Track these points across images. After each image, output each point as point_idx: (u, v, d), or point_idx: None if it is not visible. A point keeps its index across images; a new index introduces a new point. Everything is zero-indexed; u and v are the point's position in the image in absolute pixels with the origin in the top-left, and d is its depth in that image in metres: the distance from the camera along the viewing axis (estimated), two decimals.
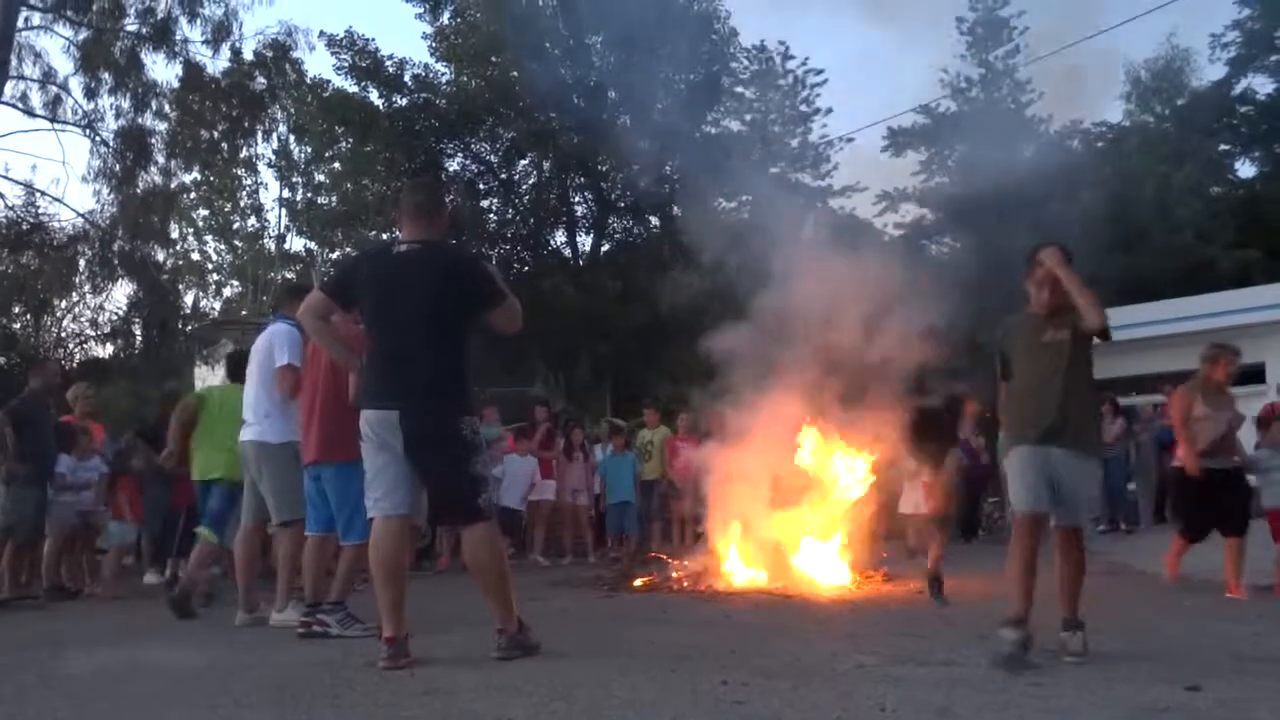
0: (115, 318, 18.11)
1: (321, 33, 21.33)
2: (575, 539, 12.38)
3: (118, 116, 17.24)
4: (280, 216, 27.46)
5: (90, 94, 17.06)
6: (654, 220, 23.49)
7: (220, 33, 17.54)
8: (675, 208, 21.96)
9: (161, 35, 17.16)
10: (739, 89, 29.26)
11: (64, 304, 17.91)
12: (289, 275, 26.29)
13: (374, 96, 21.62)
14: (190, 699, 4.03)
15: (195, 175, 23.90)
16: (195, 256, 30.89)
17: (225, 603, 7.06)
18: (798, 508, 8.78)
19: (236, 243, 31.81)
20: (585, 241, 24.03)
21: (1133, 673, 4.22)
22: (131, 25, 17.29)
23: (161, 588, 9.66)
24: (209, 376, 19.49)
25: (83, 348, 18.19)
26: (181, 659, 5.03)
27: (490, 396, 14.14)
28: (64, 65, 21.06)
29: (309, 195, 25.92)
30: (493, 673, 4.29)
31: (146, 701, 4.07)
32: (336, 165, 24.37)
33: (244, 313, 25.48)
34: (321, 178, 25.62)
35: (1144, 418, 14.34)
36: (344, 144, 22.77)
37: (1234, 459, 7.48)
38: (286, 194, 27.09)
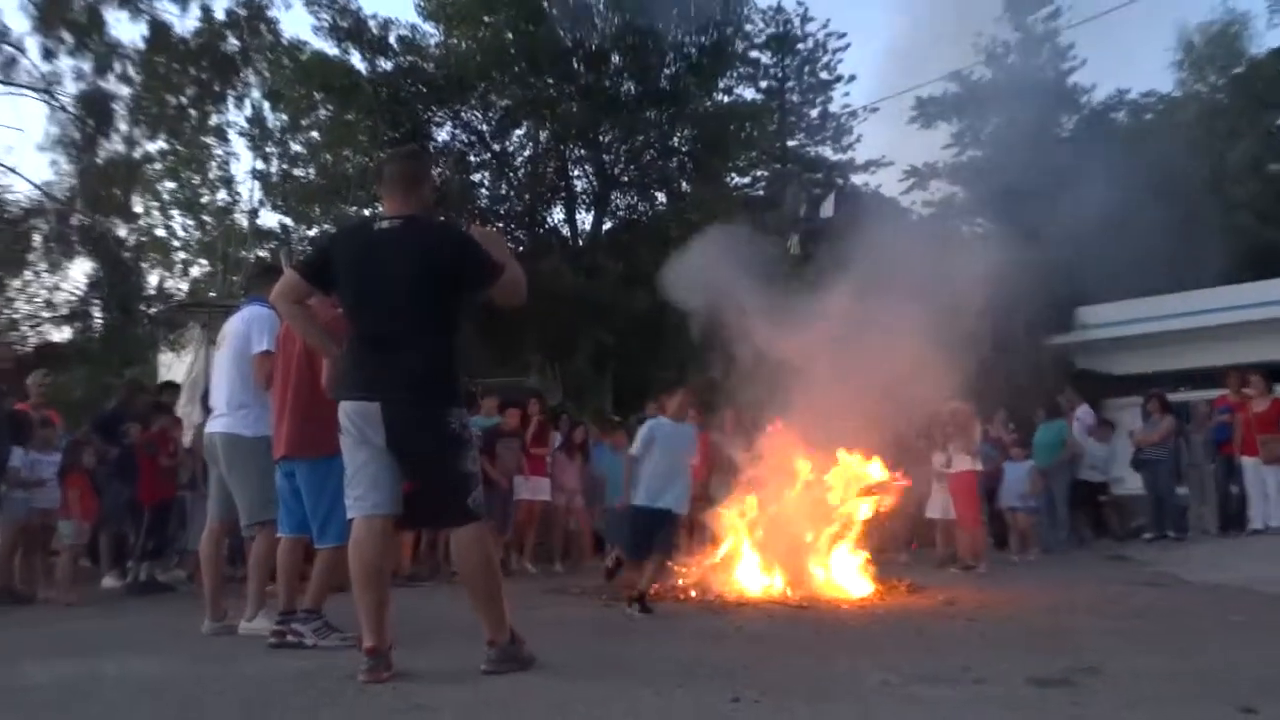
0: (73, 298, 18.13)
1: None
2: (570, 545, 12.38)
3: (78, 79, 17.26)
4: (253, 190, 27.45)
5: (48, 55, 17.08)
6: (660, 197, 23.48)
7: None
8: (684, 183, 21.96)
9: None
10: (753, 53, 29.21)
11: (17, 283, 17.91)
12: (262, 254, 26.22)
13: (356, 60, 21.61)
14: (153, 714, 4.03)
15: (161, 144, 23.81)
16: (160, 232, 30.87)
17: (191, 610, 7.05)
18: (828, 508, 8.80)
19: (205, 218, 31.79)
20: (585, 220, 24.01)
21: (1182, 692, 4.21)
22: None
23: (122, 592, 9.70)
24: (174, 363, 19.53)
25: (37, 330, 18.20)
26: (144, 671, 5.03)
27: (479, 389, 14.13)
28: (19, 23, 21.00)
29: (284, 167, 25.84)
30: (482, 688, 4.29)
31: (106, 717, 4.07)
32: (314, 134, 24.32)
33: (213, 294, 25.45)
34: (298, 148, 25.53)
35: (1198, 415, 14.24)
36: (323, 111, 22.74)
37: None
38: (260, 165, 27.04)
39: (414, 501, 4.66)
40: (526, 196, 23.19)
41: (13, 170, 21.78)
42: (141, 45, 17.61)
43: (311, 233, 24.59)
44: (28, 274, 17.75)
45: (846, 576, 8.50)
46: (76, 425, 11.07)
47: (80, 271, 18.60)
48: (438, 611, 7.34)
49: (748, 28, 26.57)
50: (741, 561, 8.71)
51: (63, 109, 17.13)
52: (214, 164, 28.36)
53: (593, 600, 8.40)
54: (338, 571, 5.38)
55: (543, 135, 22.85)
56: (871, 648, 5.51)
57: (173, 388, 12.15)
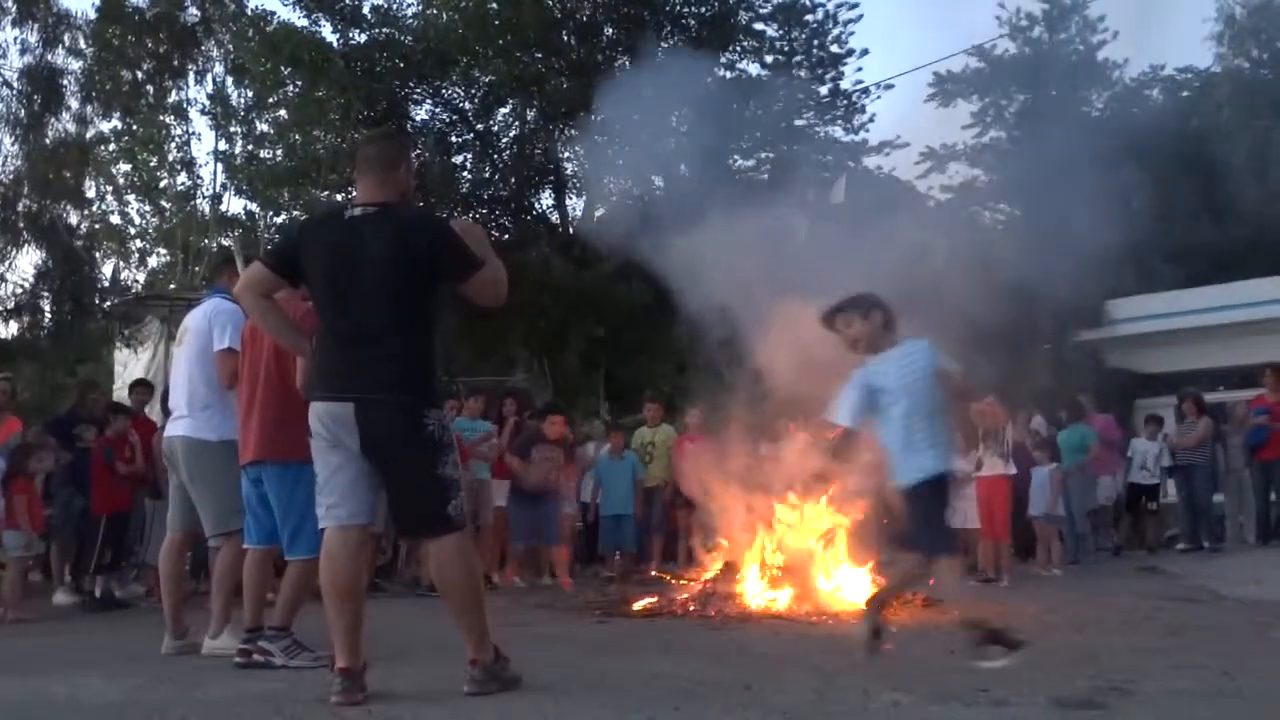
0: (20, 290, 18.10)
1: None
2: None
3: (23, 53, 17.22)
4: (216, 173, 27.36)
5: None
6: (657, 181, 23.46)
7: None
8: (682, 166, 21.93)
9: None
10: (758, 25, 29.19)
11: None
12: (226, 242, 26.19)
13: (327, 32, 21.61)
14: None
15: (115, 123, 23.84)
16: (115, 219, 30.78)
17: (150, 628, 7.06)
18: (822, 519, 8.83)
19: (164, 203, 31.68)
20: (576, 205, 24.00)
21: (1219, 715, 4.24)
22: None
23: (76, 608, 9.71)
24: (130, 361, 19.50)
25: None
26: (98, 693, 5.04)
27: (460, 388, 14.13)
28: None
29: (250, 148, 25.83)
30: (464, 710, 4.31)
31: None
32: (282, 113, 24.30)
33: (173, 286, 25.39)
34: (265, 128, 25.53)
35: (1236, 417, 14.27)
36: (291, 88, 22.70)
37: None
38: (223, 146, 27.00)
39: (392, 510, 4.69)
40: (512, 180, 23.19)
41: None
42: (93, 15, 17.60)
43: (279, 219, 24.59)
44: None
45: (857, 589, 8.52)
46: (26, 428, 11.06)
47: (28, 262, 18.62)
48: (416, 628, 7.35)
49: None
50: (746, 573, 8.74)
51: (6, 85, 17.10)
52: (173, 145, 28.28)
53: (584, 615, 8.42)
54: (309, 585, 5.40)
55: (530, 114, 22.85)
56: (883, 666, 5.53)
57: (144, 386, 12.06)
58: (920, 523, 5.04)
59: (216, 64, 22.26)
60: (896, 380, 5.14)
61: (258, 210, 25.96)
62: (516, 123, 23.29)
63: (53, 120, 17.44)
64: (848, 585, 8.56)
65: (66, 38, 17.36)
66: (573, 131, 22.84)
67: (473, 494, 10.72)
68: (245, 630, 5.82)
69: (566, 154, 23.55)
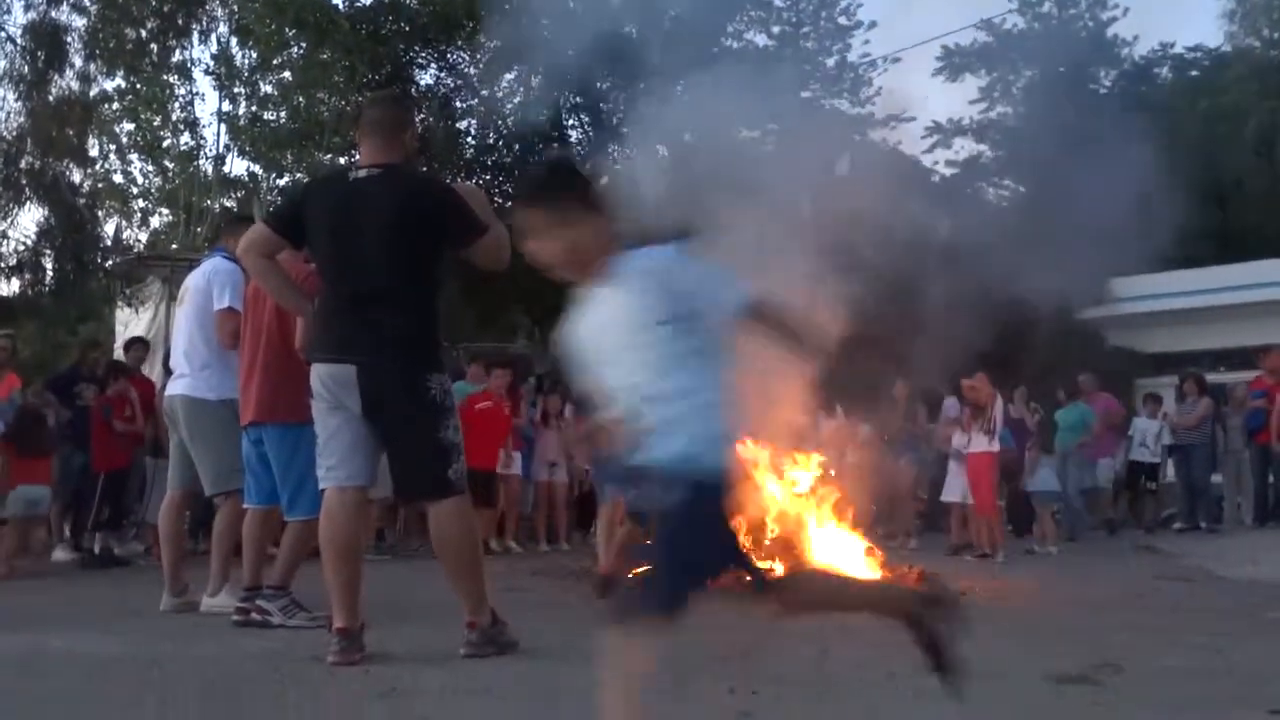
0: (22, 248, 18.07)
1: None
2: (552, 522, 12.46)
3: (27, 9, 17.14)
4: (219, 133, 27.23)
5: None
6: (661, 149, 23.39)
7: None
8: (686, 135, 21.87)
9: None
10: None
11: None
12: (229, 203, 26.14)
13: None
14: (105, 695, 4.06)
15: (119, 82, 23.69)
16: (118, 178, 30.66)
17: (148, 585, 7.09)
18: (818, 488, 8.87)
19: (167, 163, 31.53)
20: None
21: (1210, 693, 4.26)
22: None
23: (75, 565, 9.74)
24: (131, 321, 19.49)
25: None
26: (95, 647, 5.07)
27: (462, 354, 14.15)
28: None
29: (253, 109, 25.68)
30: (461, 672, 4.33)
31: (53, 697, 4.10)
32: (286, 74, 24.14)
33: (175, 246, 25.32)
34: (269, 89, 25.37)
35: (1235, 398, 14.27)
36: (296, 49, 22.57)
37: None
38: (227, 107, 26.83)
39: (392, 472, 4.70)
40: (516, 146, 23.10)
41: None
42: None
43: (282, 181, 24.50)
44: None
45: (851, 562, 8.54)
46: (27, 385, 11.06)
47: (30, 219, 18.59)
48: (415, 590, 7.38)
49: None
50: (746, 541, 8.76)
51: (10, 41, 17.03)
52: (177, 105, 28.13)
53: (583, 581, 8.44)
54: (307, 546, 5.42)
55: (535, 80, 22.73)
56: (878, 639, 5.54)
57: (140, 344, 12.06)
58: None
59: (221, 24, 22.08)
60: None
61: (261, 172, 25.86)
62: (521, 89, 23.16)
63: (56, 77, 17.40)
64: (841, 559, 8.59)
65: None
66: (577, 99, 22.78)
67: None
68: (244, 589, 5.85)
69: (571, 121, 23.46)
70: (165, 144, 29.65)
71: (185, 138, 28.85)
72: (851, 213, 8.92)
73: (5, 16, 17.04)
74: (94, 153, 23.71)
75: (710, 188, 9.40)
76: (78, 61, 17.72)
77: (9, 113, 17.23)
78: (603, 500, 7.53)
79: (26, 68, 17.13)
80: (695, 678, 4.26)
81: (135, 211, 32.10)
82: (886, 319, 9.38)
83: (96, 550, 9.74)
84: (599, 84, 21.86)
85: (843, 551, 8.65)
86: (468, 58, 22.48)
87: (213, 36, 21.80)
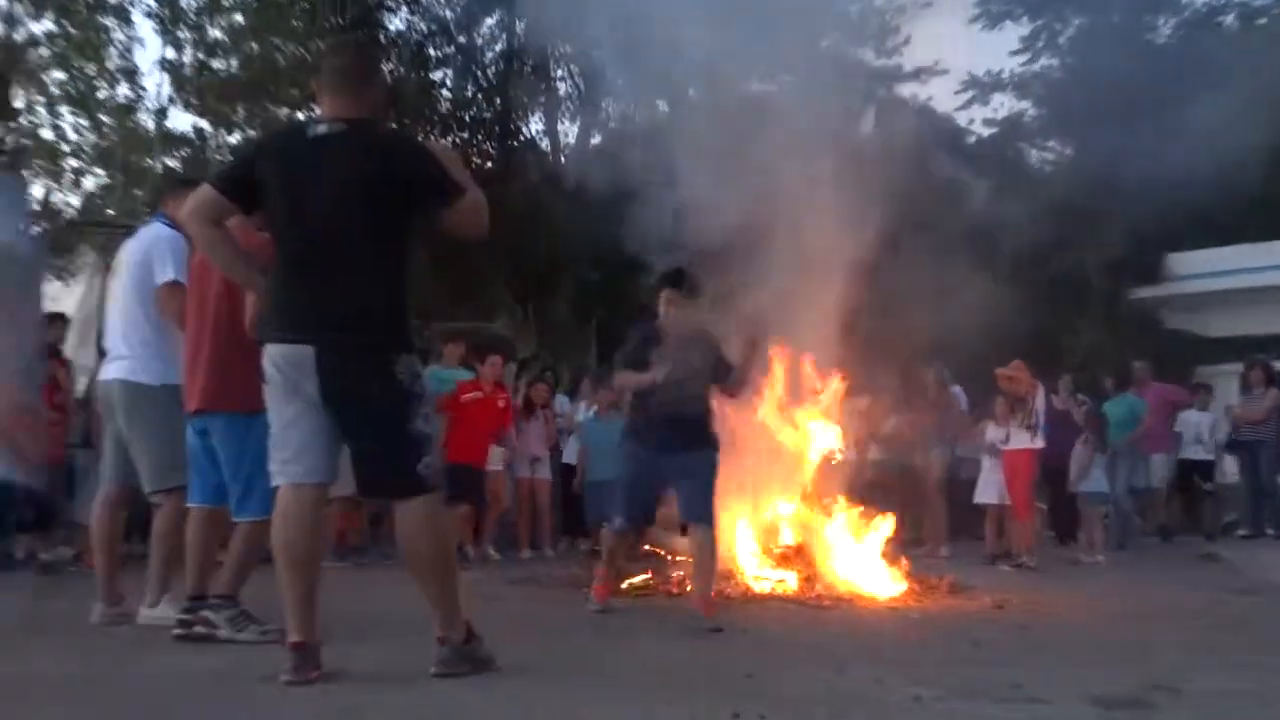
0: None
1: None
2: (535, 525, 12.49)
3: None
4: (162, 84, 27.15)
5: None
6: (661, 104, 23.34)
7: None
8: (689, 88, 21.82)
9: None
10: None
11: None
12: (172, 163, 26.07)
13: None
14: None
15: (48, 25, 23.63)
16: (47, 134, 30.63)
17: (80, 594, 7.09)
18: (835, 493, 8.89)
19: (103, 117, 31.51)
20: (569, 130, 23.85)
21: (1271, 718, 4.27)
22: None
23: None
24: (62, 294, 19.45)
25: None
26: (18, 666, 5.04)
27: (437, 335, 14.13)
28: None
29: (200, 57, 25.61)
30: (430, 693, 4.33)
31: None
32: (238, 18, 24.13)
33: (111, 211, 25.31)
34: (218, 34, 25.31)
35: None
36: None
37: None
38: (170, 54, 26.76)
39: (355, 468, 4.69)
40: (498, 100, 23.06)
41: None
42: None
43: (233, 138, 24.44)
44: None
45: (875, 571, 8.56)
46: None
47: None
48: (379, 601, 7.38)
49: None
50: (750, 549, 8.77)
51: None
52: (113, 51, 28.05)
53: (567, 591, 8.46)
54: (259, 550, 5.42)
55: (518, 26, 22.68)
56: (902, 657, 5.56)
57: (60, 321, 12.03)
58: None
59: None
60: None
61: (208, 127, 25.78)
62: (503, 35, 23.12)
63: None
64: (866, 565, 8.60)
65: None
66: (566, 47, 22.73)
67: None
68: (187, 599, 5.84)
69: (559, 72, 23.41)
70: (100, 95, 29.56)
71: (123, 89, 28.76)
72: (875, 176, 8.92)
73: None
74: (19, 104, 23.63)
75: (715, 148, 9.38)
76: (1, 2, 17.63)
77: None
78: (613, 528, 7.55)
79: None
80: (692, 700, 4.26)
81: (66, 171, 32.03)
82: (914, 295, 9.38)
83: (20, 555, 9.75)
84: (592, 28, 21.81)
85: (862, 559, 8.67)
86: (442, 1, 22.43)
87: None
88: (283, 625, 4.65)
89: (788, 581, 8.45)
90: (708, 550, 7.13)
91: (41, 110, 28.82)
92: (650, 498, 7.31)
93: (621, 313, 21.44)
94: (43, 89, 28.01)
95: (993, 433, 11.42)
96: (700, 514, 7.04)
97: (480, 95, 23.10)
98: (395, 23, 22.38)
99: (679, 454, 6.98)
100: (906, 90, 28.67)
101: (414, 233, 4.68)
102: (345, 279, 4.48)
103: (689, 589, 7.80)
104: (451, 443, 10.90)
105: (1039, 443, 11.03)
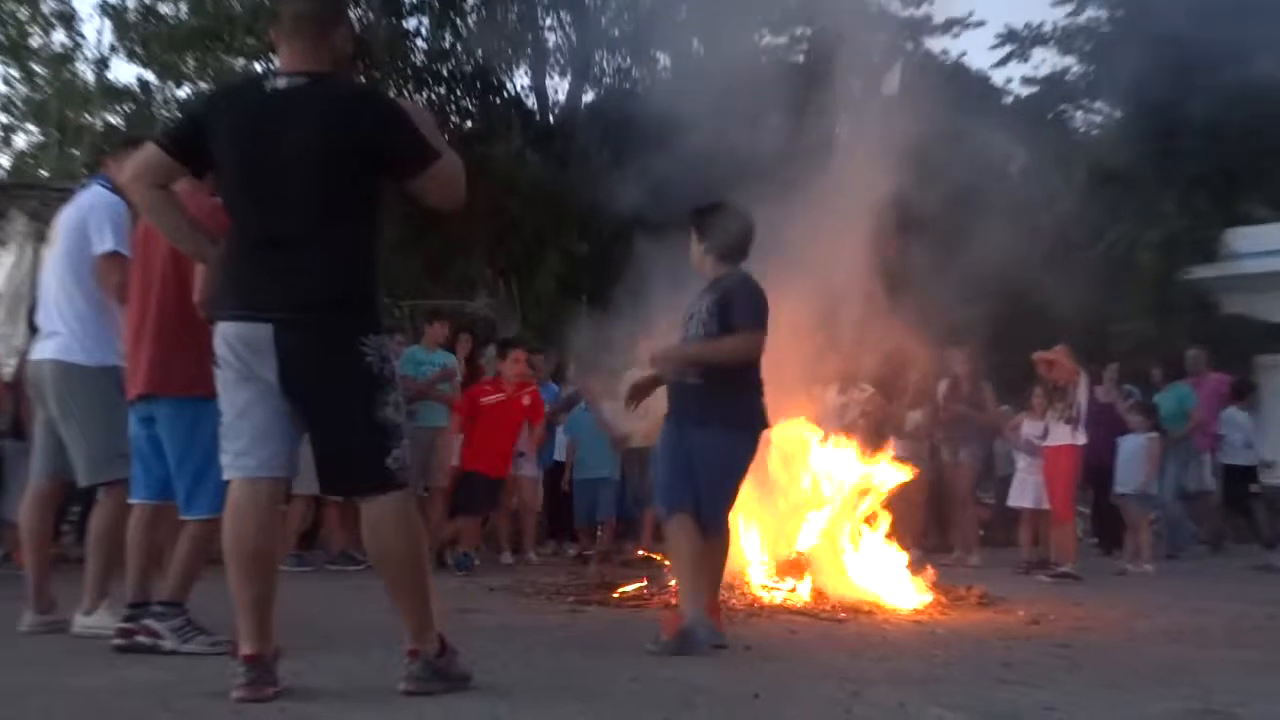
0: None
1: None
2: (517, 527, 12.50)
3: None
4: (103, 31, 27.17)
5: None
6: (662, 58, 23.34)
7: None
8: (694, 40, 21.80)
9: None
10: None
11: None
12: (114, 119, 26.06)
13: None
14: None
15: None
16: None
17: (7, 599, 7.09)
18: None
19: (36, 67, 31.49)
20: (558, 87, 23.81)
21: None
22: None
23: None
24: None
25: None
26: None
27: (405, 314, 14.14)
28: None
29: (146, 1, 25.60)
30: (399, 712, 4.33)
31: None
32: None
33: (45, 173, 25.27)
34: None
35: None
36: None
37: None
38: None
39: (318, 461, 4.68)
40: (479, 53, 23.02)
41: None
42: None
43: (181, 92, 24.42)
44: None
45: (896, 581, 8.58)
46: None
47: None
48: (343, 609, 7.39)
49: None
50: (756, 559, 8.78)
51: None
52: None
53: (554, 602, 8.47)
54: (208, 552, 5.42)
55: None
56: (927, 677, 5.57)
57: None
58: None
59: None
60: None
61: (154, 80, 25.74)
62: None
63: None
64: (885, 575, 8.62)
65: None
66: None
67: (424, 446, 10.77)
68: (127, 605, 5.85)
69: (548, 22, 23.38)
70: (34, 43, 29.54)
71: (59, 35, 28.76)
72: (901, 137, 8.93)
73: None
74: None
75: (722, 109, 9.38)
76: None
77: None
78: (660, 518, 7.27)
79: None
80: None
81: None
82: (942, 273, 9.39)
83: None
84: None
85: (881, 568, 8.69)
86: None
87: None
88: (234, 636, 4.65)
89: (799, 591, 8.47)
90: (716, 553, 6.71)
91: None
92: (686, 480, 6.58)
93: (611, 286, 21.48)
94: None
95: (1029, 427, 11.43)
96: (706, 513, 6.51)
97: (459, 46, 23.06)
98: None
99: (688, 431, 6.57)
100: (937, 45, 28.69)
101: (384, 199, 4.68)
102: (307, 250, 4.47)
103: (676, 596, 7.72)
104: (467, 448, 10.98)
105: (1080, 438, 10.99)
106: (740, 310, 6.52)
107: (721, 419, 6.50)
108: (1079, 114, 27.67)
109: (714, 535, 6.61)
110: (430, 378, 11.33)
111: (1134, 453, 12.28)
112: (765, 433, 6.92)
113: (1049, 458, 11.09)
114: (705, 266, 6.83)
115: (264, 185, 4.53)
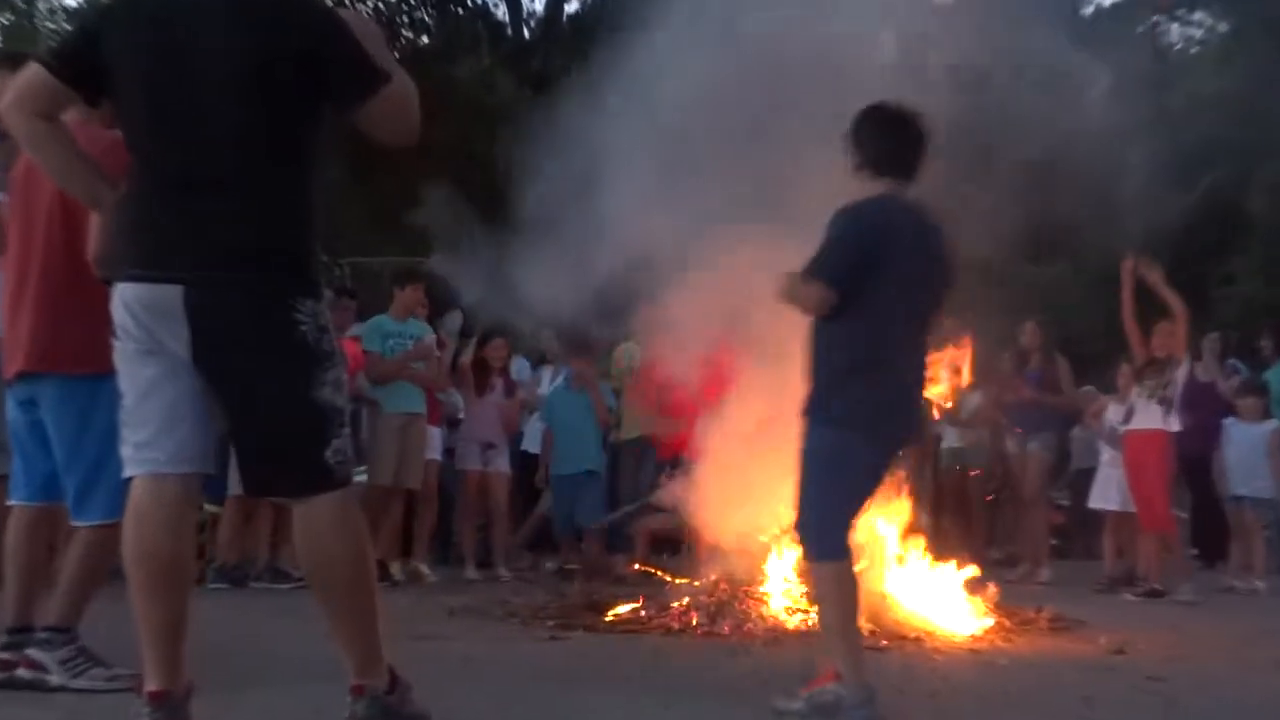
0: None
1: None
2: (490, 530, 12.54)
3: None
4: None
5: None
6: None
7: None
8: None
9: None
10: None
11: None
12: None
13: None
14: None
15: None
16: None
17: None
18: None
19: None
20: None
21: None
22: None
23: None
24: None
25: None
26: None
27: (345, 272, 14.14)
28: None
29: None
30: None
31: None
32: None
33: None
34: None
35: None
36: None
37: None
38: None
39: (239, 453, 4.67)
40: None
41: None
42: None
43: (71, 1, 24.40)
44: None
45: (950, 601, 8.60)
46: None
47: None
48: (272, 635, 7.42)
49: None
50: (775, 573, 8.81)
51: None
52: None
53: (530, 626, 8.49)
54: (106, 564, 5.43)
55: None
56: (984, 716, 5.61)
57: None
58: None
59: None
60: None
61: None
62: None
63: None
64: (936, 594, 8.65)
65: None
66: None
67: (394, 436, 10.82)
68: (5, 630, 5.87)
69: None
70: None
71: None
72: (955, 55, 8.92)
73: None
74: None
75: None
76: None
77: None
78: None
79: None
80: None
81: None
82: (1004, 228, 9.38)
83: None
84: None
85: (933, 587, 8.71)
86: None
87: None
88: (137, 668, 4.66)
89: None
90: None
91: None
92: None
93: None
94: None
95: (1114, 413, 11.35)
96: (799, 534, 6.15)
97: None
98: None
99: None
100: None
101: (322, 132, 4.66)
102: (228, 195, 4.43)
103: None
104: None
105: (1174, 423, 10.78)
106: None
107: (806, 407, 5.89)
108: (1175, 28, 27.67)
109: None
110: (404, 355, 11.33)
111: (1252, 445, 12.13)
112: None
113: (1132, 446, 10.83)
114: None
115: (174, 116, 4.49)
